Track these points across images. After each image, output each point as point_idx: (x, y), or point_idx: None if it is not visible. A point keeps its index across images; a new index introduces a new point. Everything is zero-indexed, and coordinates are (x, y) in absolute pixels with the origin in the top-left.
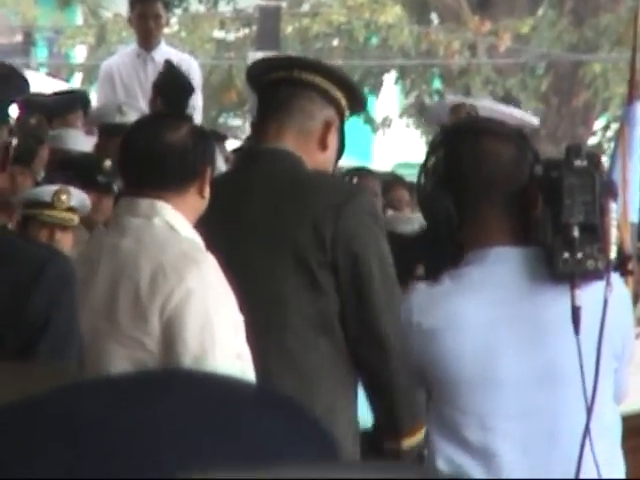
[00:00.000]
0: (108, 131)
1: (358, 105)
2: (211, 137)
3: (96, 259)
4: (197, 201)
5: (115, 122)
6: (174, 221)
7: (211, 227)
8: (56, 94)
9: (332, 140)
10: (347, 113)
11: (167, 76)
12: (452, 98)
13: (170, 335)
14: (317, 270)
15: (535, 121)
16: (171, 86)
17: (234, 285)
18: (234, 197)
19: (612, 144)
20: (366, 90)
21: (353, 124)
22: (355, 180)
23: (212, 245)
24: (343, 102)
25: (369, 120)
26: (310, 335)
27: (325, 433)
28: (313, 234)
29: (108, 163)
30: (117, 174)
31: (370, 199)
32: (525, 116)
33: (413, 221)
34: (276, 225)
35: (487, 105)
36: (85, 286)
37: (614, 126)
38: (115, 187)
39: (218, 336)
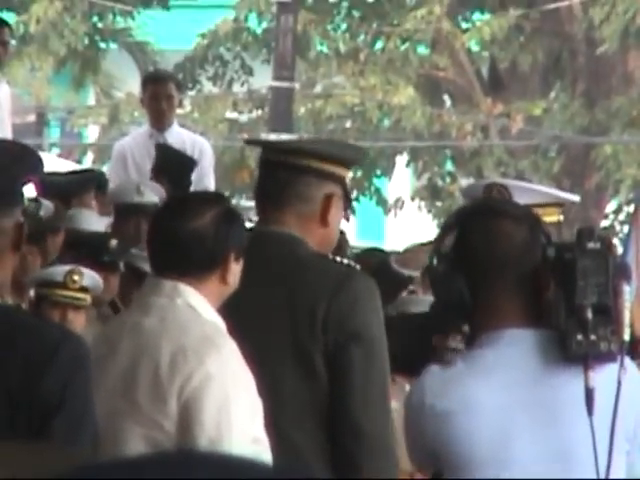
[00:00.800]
0: (125, 211)
1: (358, 162)
2: (239, 221)
3: (117, 338)
4: (219, 287)
5: (133, 202)
6: (196, 304)
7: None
8: (72, 173)
9: (334, 213)
10: (349, 174)
11: (162, 158)
12: (485, 180)
13: (187, 417)
14: (314, 356)
15: (576, 198)
16: (170, 166)
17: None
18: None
19: (624, 227)
20: (378, 172)
21: (366, 206)
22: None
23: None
24: (343, 172)
25: (381, 202)
26: (308, 424)
27: None
28: (309, 319)
29: (114, 242)
30: (123, 253)
31: (367, 280)
32: (562, 194)
33: (425, 303)
34: (274, 311)
35: (520, 184)
36: (104, 364)
37: (626, 209)
38: (121, 265)
39: (235, 421)
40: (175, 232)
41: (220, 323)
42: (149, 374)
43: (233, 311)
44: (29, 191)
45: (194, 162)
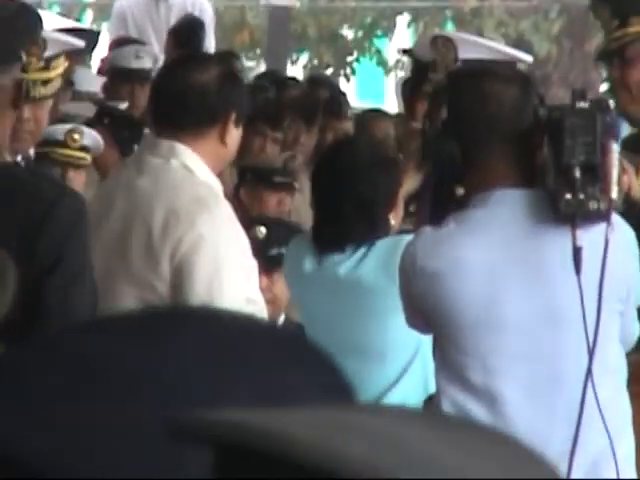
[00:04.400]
0: (121, 75)
1: None
2: (243, 85)
3: (112, 197)
4: (218, 147)
5: (130, 66)
6: (192, 164)
7: None
8: (74, 30)
9: None
10: None
11: (184, 26)
12: (430, 33)
13: (179, 279)
14: None
15: (528, 58)
16: (187, 33)
17: None
18: None
19: None
20: (379, 32)
21: (366, 66)
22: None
23: None
24: None
25: (382, 62)
26: None
27: (339, 370)
28: None
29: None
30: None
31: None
32: (512, 51)
33: None
34: None
35: (465, 37)
36: (99, 221)
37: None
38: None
39: (227, 281)
40: (177, 83)
41: (216, 184)
42: (142, 236)
43: None
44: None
45: (203, 25)
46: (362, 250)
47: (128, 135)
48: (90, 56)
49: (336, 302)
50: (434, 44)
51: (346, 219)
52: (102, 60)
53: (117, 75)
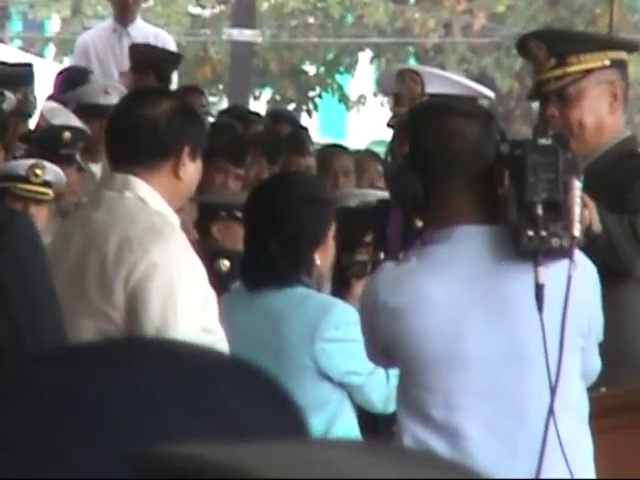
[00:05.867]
0: (90, 111)
1: None
2: (197, 119)
3: (71, 232)
4: (172, 181)
5: (99, 103)
6: (146, 196)
7: None
8: (15, 65)
9: None
10: None
11: (140, 56)
12: (399, 66)
13: (133, 307)
14: None
15: (490, 93)
16: (153, 62)
17: None
18: None
19: None
20: (341, 69)
21: (328, 102)
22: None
23: None
24: None
25: (344, 98)
26: None
27: (295, 404)
28: None
29: (68, 135)
30: (78, 145)
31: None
32: (476, 86)
33: (353, 196)
34: None
35: (432, 71)
36: (59, 257)
37: None
38: (78, 158)
39: (180, 308)
40: (130, 118)
41: (171, 215)
42: (97, 266)
43: None
44: None
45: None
46: (292, 305)
47: None
48: (32, 88)
49: (261, 353)
50: (400, 77)
51: (271, 255)
52: (60, 92)
53: (85, 111)
